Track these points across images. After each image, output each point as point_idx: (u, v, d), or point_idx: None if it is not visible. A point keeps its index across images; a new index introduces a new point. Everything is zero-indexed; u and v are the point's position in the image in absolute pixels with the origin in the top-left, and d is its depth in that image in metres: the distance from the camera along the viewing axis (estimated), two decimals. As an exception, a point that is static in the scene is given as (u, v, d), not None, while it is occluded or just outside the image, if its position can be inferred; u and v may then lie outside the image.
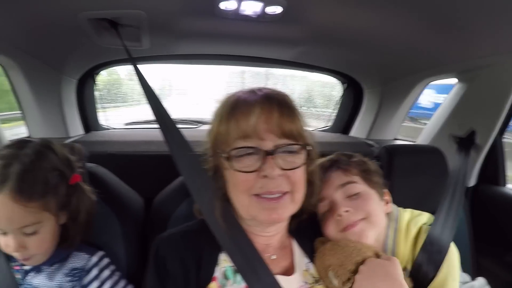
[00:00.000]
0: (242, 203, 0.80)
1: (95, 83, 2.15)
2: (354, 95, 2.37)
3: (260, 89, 0.81)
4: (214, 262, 0.83)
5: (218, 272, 0.82)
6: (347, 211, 0.94)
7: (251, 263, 0.79)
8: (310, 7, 1.20)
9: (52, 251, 0.92)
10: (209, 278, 0.81)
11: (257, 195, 0.77)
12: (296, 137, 0.78)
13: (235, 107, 0.79)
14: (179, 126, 1.83)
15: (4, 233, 0.84)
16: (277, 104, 0.77)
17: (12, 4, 1.11)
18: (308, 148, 0.81)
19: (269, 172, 0.74)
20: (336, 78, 2.36)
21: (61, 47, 1.58)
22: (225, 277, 0.81)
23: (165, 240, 0.87)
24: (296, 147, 0.78)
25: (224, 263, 0.83)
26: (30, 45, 1.48)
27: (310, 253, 0.92)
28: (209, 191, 0.85)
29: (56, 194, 0.87)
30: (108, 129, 2.33)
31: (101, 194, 1.00)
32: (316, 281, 0.87)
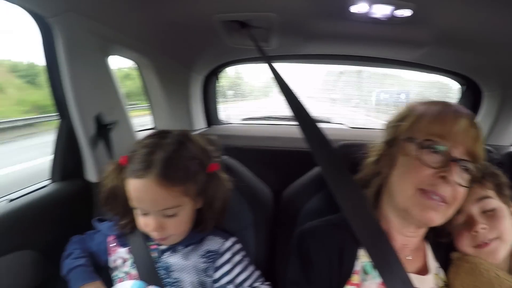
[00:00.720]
0: (406, 192, 0.81)
1: (218, 80, 2.25)
2: (473, 98, 2.15)
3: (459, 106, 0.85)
4: (354, 256, 0.86)
5: (358, 266, 0.85)
6: (484, 228, 0.89)
7: (387, 261, 0.78)
8: (438, 10, 1.17)
9: (187, 233, 0.99)
10: (350, 271, 0.84)
11: (422, 190, 0.78)
12: (476, 159, 0.80)
13: (446, 109, 0.83)
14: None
15: (145, 214, 0.91)
16: (474, 123, 0.81)
17: (152, 8, 1.22)
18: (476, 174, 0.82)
19: (450, 176, 0.76)
20: (455, 80, 2.18)
21: (193, 46, 1.69)
22: (365, 271, 0.84)
23: (309, 231, 0.92)
24: (470, 167, 0.80)
25: (363, 258, 0.85)
26: (164, 46, 1.61)
27: (441, 259, 0.93)
28: (349, 187, 0.84)
29: (195, 181, 0.92)
30: (226, 124, 2.43)
31: (235, 184, 1.03)
32: (446, 286, 0.89)
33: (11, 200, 1.12)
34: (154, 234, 0.93)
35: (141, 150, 0.90)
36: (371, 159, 0.93)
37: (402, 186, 0.82)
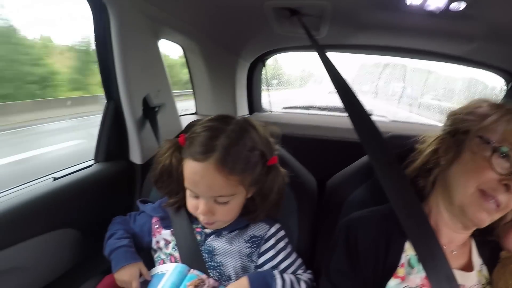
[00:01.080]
0: (465, 189, 0.78)
1: (264, 67, 2.21)
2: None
3: None
4: (401, 249, 0.84)
5: (404, 259, 0.83)
6: None
7: (432, 255, 0.76)
8: (491, 3, 1.13)
9: (234, 220, 0.97)
10: (397, 263, 0.83)
11: (483, 192, 0.75)
12: None
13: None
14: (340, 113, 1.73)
15: (196, 197, 0.89)
16: None
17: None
18: None
19: None
20: (502, 77, 2.05)
21: (242, 32, 1.66)
22: (410, 265, 0.83)
23: (357, 220, 0.90)
24: None
25: (409, 251, 0.84)
26: (213, 30, 1.59)
27: (484, 256, 0.89)
28: (398, 179, 0.82)
29: (253, 172, 0.89)
30: (268, 112, 2.40)
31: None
32: (489, 283, 0.85)
33: (55, 179, 1.14)
34: (201, 218, 0.92)
35: (203, 133, 0.87)
36: (429, 148, 0.90)
37: (463, 182, 0.79)
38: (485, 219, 0.77)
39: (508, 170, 0.73)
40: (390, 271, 0.82)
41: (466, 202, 0.78)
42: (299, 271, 1.00)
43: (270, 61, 2.24)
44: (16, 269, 0.95)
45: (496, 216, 0.77)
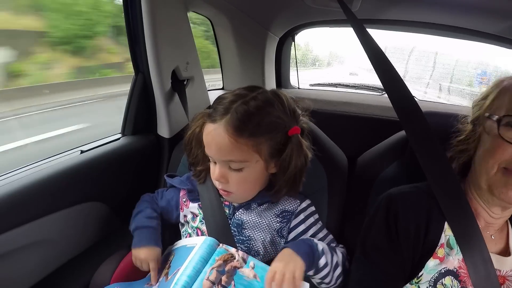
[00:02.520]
0: (488, 170, 0.77)
1: (293, 42, 2.15)
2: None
3: None
4: (441, 228, 0.81)
5: (443, 239, 0.81)
6: None
7: (470, 237, 0.77)
8: None
9: (255, 195, 0.95)
10: (436, 243, 0.80)
11: (506, 169, 0.74)
12: None
13: None
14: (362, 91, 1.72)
15: (215, 162, 0.89)
16: None
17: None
18: None
19: None
20: None
21: (272, 5, 1.61)
22: (449, 245, 0.80)
23: (398, 195, 0.87)
24: None
25: (448, 231, 0.81)
26: (243, 2, 1.55)
27: None
28: (437, 157, 0.82)
29: (270, 140, 0.87)
30: (296, 88, 2.35)
31: (312, 146, 0.97)
32: None
33: (82, 152, 1.13)
34: (217, 184, 0.91)
35: (228, 98, 0.87)
36: (460, 137, 0.88)
37: (485, 163, 0.78)
38: None
39: None
40: (429, 251, 0.80)
41: (492, 183, 0.77)
42: (332, 245, 0.99)
43: (298, 41, 2.18)
44: (44, 241, 0.96)
45: None
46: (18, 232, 0.89)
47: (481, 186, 0.80)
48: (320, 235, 0.98)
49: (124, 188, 1.21)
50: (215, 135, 0.84)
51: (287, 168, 0.89)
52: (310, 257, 0.85)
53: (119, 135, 1.32)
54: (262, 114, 0.85)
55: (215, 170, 0.88)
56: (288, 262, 0.81)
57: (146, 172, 1.31)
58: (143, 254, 0.94)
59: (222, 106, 0.85)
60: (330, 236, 1.00)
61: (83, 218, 1.07)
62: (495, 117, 0.76)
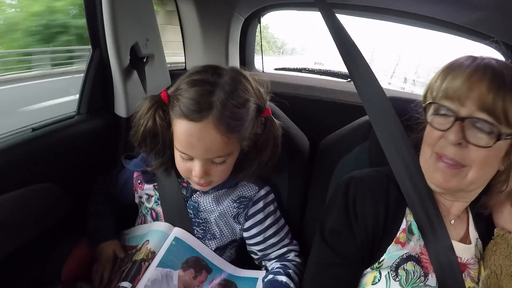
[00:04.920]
0: (424, 156, 0.80)
1: (259, 24, 2.11)
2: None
3: (483, 58, 0.76)
4: (402, 214, 0.82)
5: (405, 225, 0.81)
6: None
7: (431, 223, 0.78)
8: None
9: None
10: (397, 228, 0.80)
11: (438, 154, 0.76)
12: (499, 117, 0.70)
13: (450, 69, 0.77)
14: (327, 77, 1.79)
15: (191, 159, 0.83)
16: (491, 74, 0.71)
17: None
18: (508, 137, 0.71)
19: (449, 136, 0.72)
20: (500, 52, 1.97)
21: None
22: (411, 231, 0.81)
23: (358, 179, 0.86)
24: (489, 126, 0.71)
25: (410, 216, 0.82)
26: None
27: (480, 230, 0.88)
28: (400, 141, 0.82)
29: (252, 127, 0.85)
30: (260, 72, 2.31)
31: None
32: (481, 259, 0.85)
33: (34, 130, 1.06)
34: (195, 180, 0.86)
35: (194, 88, 0.79)
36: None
37: (423, 150, 0.81)
38: (442, 180, 0.76)
39: (447, 124, 0.73)
40: (390, 236, 0.80)
41: (425, 167, 0.80)
42: (286, 241, 0.99)
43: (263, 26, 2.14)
44: None
45: (470, 176, 0.75)
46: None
47: (423, 171, 0.81)
48: (277, 226, 0.98)
49: (80, 170, 1.15)
50: (201, 136, 0.77)
51: (265, 149, 0.89)
52: None
53: (74, 113, 1.24)
54: (244, 102, 0.81)
55: (192, 168, 0.83)
56: None
57: (103, 152, 1.26)
58: (109, 250, 0.96)
59: (193, 99, 0.77)
60: (286, 229, 1.01)
61: (34, 200, 1.00)
62: (424, 105, 0.80)
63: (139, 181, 1.01)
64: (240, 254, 1.03)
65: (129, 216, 1.08)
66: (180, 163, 0.86)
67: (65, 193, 1.08)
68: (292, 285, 0.89)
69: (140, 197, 1.01)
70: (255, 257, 1.01)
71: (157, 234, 0.90)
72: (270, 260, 0.99)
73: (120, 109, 1.29)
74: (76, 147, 1.15)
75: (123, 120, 1.30)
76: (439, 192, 0.82)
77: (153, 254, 0.86)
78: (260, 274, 0.95)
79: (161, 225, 0.92)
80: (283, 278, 0.89)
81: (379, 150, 0.85)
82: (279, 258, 0.98)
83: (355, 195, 0.82)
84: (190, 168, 0.83)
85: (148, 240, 0.90)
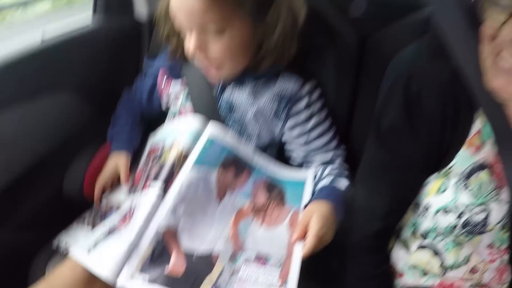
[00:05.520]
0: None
1: None
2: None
3: None
4: (473, 115, 0.69)
5: (478, 127, 0.69)
6: None
7: (507, 127, 0.66)
8: None
9: (242, 68, 0.80)
10: (469, 130, 0.69)
11: None
12: None
13: None
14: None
15: (189, 33, 0.72)
16: None
17: None
18: None
19: None
20: None
21: None
22: (483, 135, 0.68)
23: (421, 73, 0.74)
24: None
25: (481, 120, 0.69)
26: None
27: None
28: (471, 36, 0.65)
29: None
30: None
31: (315, 18, 0.84)
32: None
33: (46, 35, 0.99)
34: (197, 59, 0.76)
35: None
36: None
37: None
38: None
39: None
40: (461, 138, 0.68)
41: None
42: (332, 144, 0.88)
43: None
44: (4, 140, 0.86)
45: None
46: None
47: None
48: (322, 127, 0.86)
49: (99, 78, 1.08)
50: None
51: (274, 30, 0.74)
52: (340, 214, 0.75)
53: (90, 14, 1.15)
54: None
55: (190, 43, 0.72)
56: (326, 226, 0.68)
57: (124, 60, 1.17)
58: (114, 161, 0.92)
59: None
60: (332, 131, 0.89)
61: (52, 111, 0.96)
62: None
63: (165, 79, 0.92)
64: (279, 160, 0.93)
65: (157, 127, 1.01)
66: (186, 42, 0.75)
67: (85, 103, 1.03)
68: (345, 192, 0.79)
69: (168, 97, 0.92)
70: (295, 161, 0.91)
71: (188, 131, 0.80)
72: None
73: (141, 11, 1.19)
74: (95, 53, 1.08)
75: (145, 24, 1.20)
76: None
77: (185, 157, 0.77)
78: (308, 176, 0.85)
79: (192, 120, 0.82)
80: (339, 184, 0.80)
81: (440, 44, 0.70)
82: (325, 164, 0.87)
83: (419, 89, 0.71)
84: (189, 43, 0.73)
85: (179, 140, 0.80)
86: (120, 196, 0.87)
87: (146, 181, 0.76)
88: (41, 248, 0.85)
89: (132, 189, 0.83)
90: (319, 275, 0.81)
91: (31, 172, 0.90)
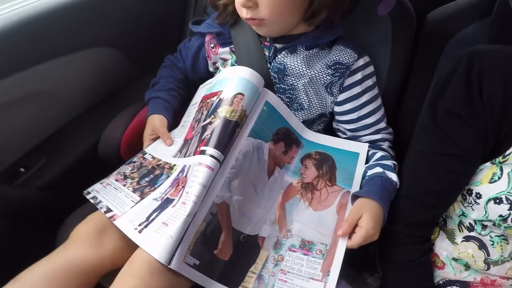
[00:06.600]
0: None
1: None
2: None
3: None
4: None
5: None
6: None
7: None
8: None
9: (294, 25, 0.78)
10: None
11: None
12: None
13: None
14: None
15: None
16: None
17: None
18: None
19: None
20: None
21: None
22: None
23: (485, 53, 0.69)
24: None
25: None
26: None
27: None
28: None
29: None
30: None
31: None
32: None
33: None
34: (244, 13, 0.73)
35: None
36: None
37: None
38: None
39: None
40: None
41: None
42: (381, 124, 0.85)
43: None
44: (45, 93, 0.85)
45: None
46: (9, 82, 0.77)
47: None
48: (374, 105, 0.84)
49: (142, 36, 1.06)
50: None
51: None
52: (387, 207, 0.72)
53: None
54: None
55: None
56: (376, 227, 0.68)
57: (168, 19, 1.14)
58: (150, 124, 0.88)
59: None
60: (382, 111, 0.86)
61: (93, 66, 0.95)
62: None
63: (212, 46, 0.89)
64: (328, 133, 0.91)
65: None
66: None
67: (128, 60, 1.02)
68: (395, 187, 0.76)
69: (215, 63, 0.90)
70: (343, 136, 0.88)
71: (248, 86, 0.75)
72: None
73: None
74: (139, 10, 1.06)
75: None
76: None
77: (246, 117, 0.73)
78: (361, 149, 0.82)
79: (250, 74, 0.76)
80: (394, 177, 0.76)
81: (504, 26, 0.73)
82: (371, 145, 0.85)
83: (482, 71, 0.66)
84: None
85: (242, 94, 0.74)
86: (167, 153, 0.81)
87: (199, 144, 0.70)
88: (72, 211, 0.84)
89: (183, 148, 0.77)
90: (355, 259, 0.79)
91: (67, 127, 0.91)
